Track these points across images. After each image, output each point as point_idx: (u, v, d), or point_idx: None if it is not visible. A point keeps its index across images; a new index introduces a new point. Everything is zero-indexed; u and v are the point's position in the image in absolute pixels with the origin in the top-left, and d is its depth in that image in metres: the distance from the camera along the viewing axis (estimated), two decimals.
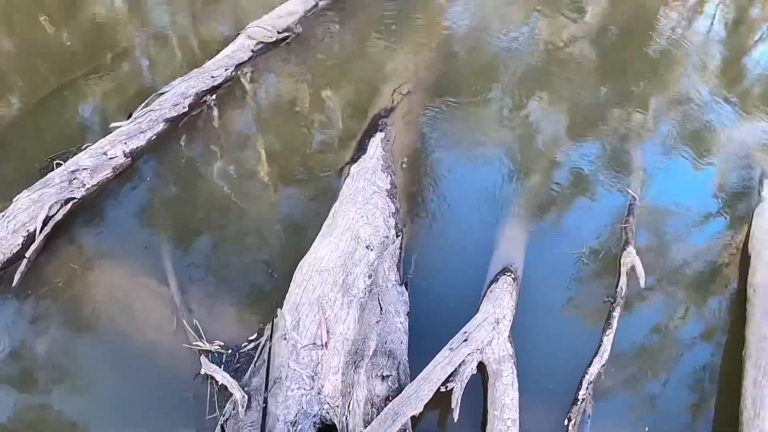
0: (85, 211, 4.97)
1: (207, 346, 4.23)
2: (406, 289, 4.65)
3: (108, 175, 5.12)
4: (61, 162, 5.07)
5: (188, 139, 5.72)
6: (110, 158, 5.16)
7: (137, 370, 4.18)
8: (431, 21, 7.87)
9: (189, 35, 7.11)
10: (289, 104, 6.38)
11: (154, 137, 5.48)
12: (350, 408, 3.81)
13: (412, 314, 4.53)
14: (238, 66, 6.38)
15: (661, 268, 5.38)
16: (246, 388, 3.95)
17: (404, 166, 5.71)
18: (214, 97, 6.03)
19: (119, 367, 4.21)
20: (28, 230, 4.57)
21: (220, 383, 4.01)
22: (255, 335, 4.34)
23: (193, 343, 4.24)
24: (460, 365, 4.11)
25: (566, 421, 4.17)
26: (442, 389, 4.00)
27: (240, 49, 6.48)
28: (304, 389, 3.84)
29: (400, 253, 4.88)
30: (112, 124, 5.50)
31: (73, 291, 4.52)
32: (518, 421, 4.03)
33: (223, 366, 4.13)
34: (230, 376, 4.01)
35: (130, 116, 5.56)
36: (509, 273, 4.81)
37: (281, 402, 3.79)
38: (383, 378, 4.02)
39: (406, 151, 5.87)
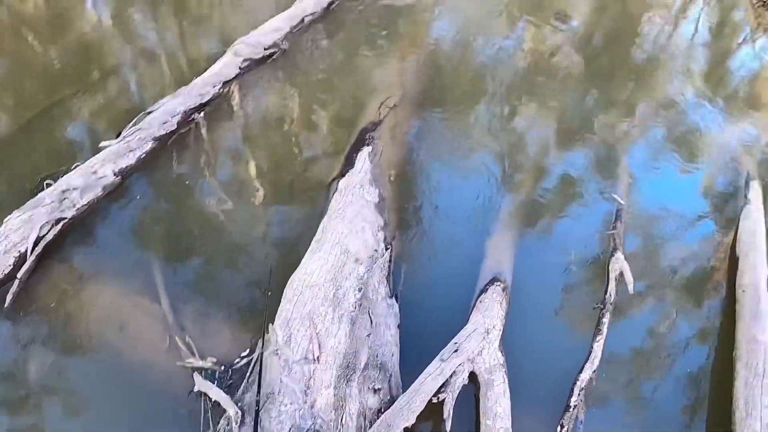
0: (75, 230, 4.96)
1: (200, 363, 4.24)
2: (396, 302, 4.68)
3: (98, 195, 5.11)
4: (51, 182, 5.07)
5: (177, 157, 5.72)
6: (100, 177, 5.15)
7: (131, 389, 4.17)
8: (417, 34, 7.92)
9: (176, 52, 7.13)
10: (276, 120, 6.40)
11: (144, 156, 5.47)
12: (343, 421, 3.84)
13: (403, 326, 4.56)
14: (226, 83, 6.39)
15: (650, 273, 5.43)
16: (239, 404, 3.96)
17: (392, 179, 5.74)
18: (202, 114, 6.03)
19: (113, 386, 4.20)
20: (19, 251, 4.55)
21: (213, 400, 4.02)
22: (247, 351, 4.35)
23: (186, 361, 4.25)
24: (451, 376, 4.14)
25: (559, 428, 4.19)
26: (434, 400, 4.02)
27: (227, 66, 6.50)
28: (297, 404, 3.86)
29: (390, 266, 4.90)
30: (102, 143, 5.49)
31: (65, 310, 4.51)
32: (511, 430, 4.05)
33: (216, 382, 4.13)
34: (224, 392, 4.02)
35: (119, 135, 5.56)
36: (498, 283, 4.84)
37: (275, 417, 3.81)
38: (375, 391, 4.05)
39: (394, 163, 5.90)
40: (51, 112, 6.04)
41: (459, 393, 4.16)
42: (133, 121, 5.68)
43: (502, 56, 7.76)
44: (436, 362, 4.13)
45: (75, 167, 5.25)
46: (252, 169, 5.78)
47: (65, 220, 4.86)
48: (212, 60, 6.68)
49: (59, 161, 5.41)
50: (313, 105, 6.59)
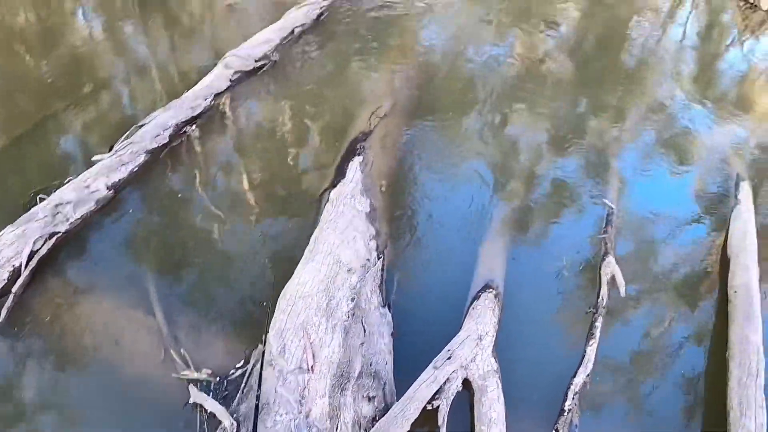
0: (69, 244, 4.98)
1: (195, 375, 4.25)
2: (389, 311, 4.69)
3: (91, 209, 5.14)
4: (44, 196, 5.09)
5: (170, 170, 5.75)
6: (93, 191, 5.18)
7: (126, 401, 4.17)
8: (406, 44, 7.97)
9: (168, 66, 7.16)
10: (268, 132, 6.43)
11: (136, 169, 5.51)
12: (338, 430, 3.85)
13: (396, 335, 4.57)
14: (217, 95, 6.43)
15: (642, 276, 5.44)
16: (235, 415, 3.97)
17: (383, 188, 5.76)
18: (194, 127, 6.07)
19: (108, 399, 4.20)
20: (13, 265, 4.57)
21: (209, 411, 4.03)
22: (242, 362, 4.36)
23: (182, 373, 4.26)
24: (445, 383, 4.15)
25: None
26: (429, 407, 4.03)
27: (218, 78, 6.54)
28: (292, 414, 3.87)
29: (382, 275, 4.91)
30: (94, 157, 5.53)
31: (60, 324, 4.52)
32: None
33: (211, 394, 4.14)
34: (219, 403, 4.03)
35: (111, 149, 5.59)
36: (491, 289, 4.86)
37: (270, 427, 3.81)
38: (369, 399, 4.06)
39: (385, 173, 5.92)
40: (43, 127, 6.07)
41: (453, 399, 4.16)
42: (126, 134, 5.71)
43: (492, 64, 7.81)
44: (429, 369, 4.14)
45: (68, 181, 5.28)
46: (244, 181, 5.80)
47: (59, 235, 4.88)
48: (203, 73, 6.72)
49: (52, 175, 5.44)
50: (303, 116, 6.61)
